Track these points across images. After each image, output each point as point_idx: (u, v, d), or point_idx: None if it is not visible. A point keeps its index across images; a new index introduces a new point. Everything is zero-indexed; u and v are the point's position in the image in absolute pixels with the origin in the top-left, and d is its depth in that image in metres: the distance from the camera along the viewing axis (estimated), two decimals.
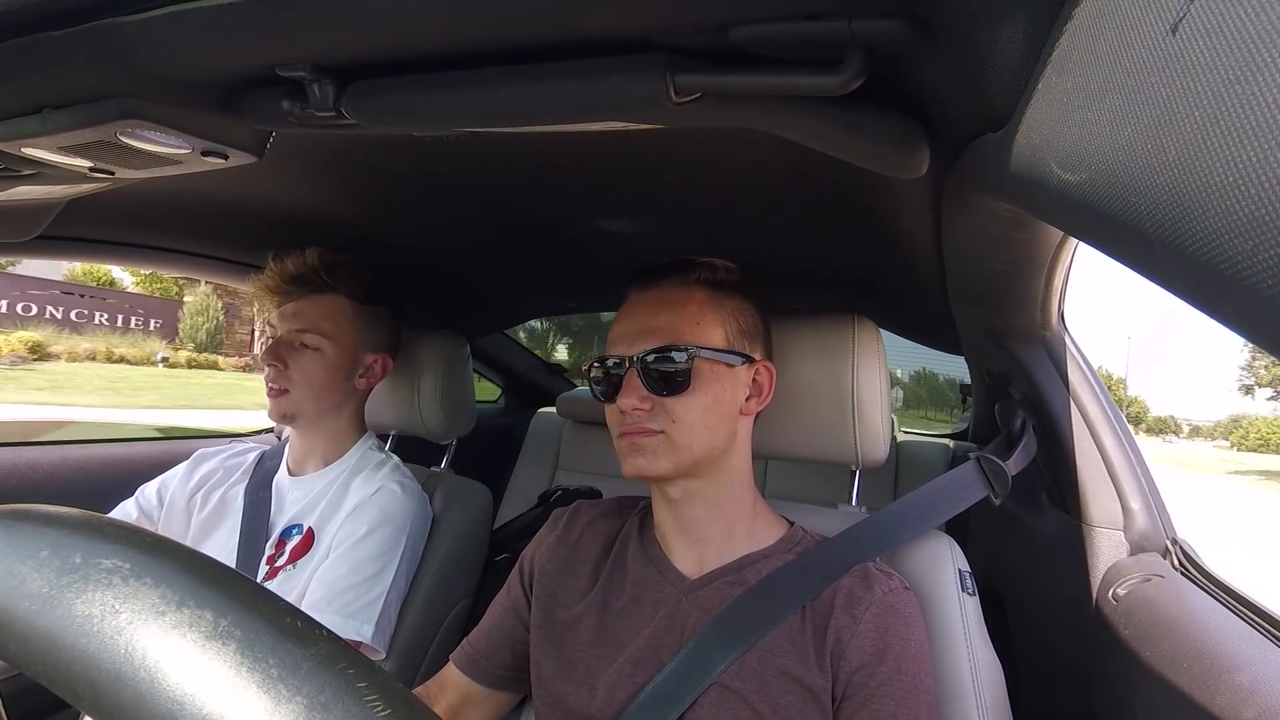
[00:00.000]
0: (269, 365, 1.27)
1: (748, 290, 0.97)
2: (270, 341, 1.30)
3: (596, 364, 0.93)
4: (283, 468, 1.36)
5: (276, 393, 1.27)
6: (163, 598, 0.25)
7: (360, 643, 1.16)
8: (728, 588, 0.88)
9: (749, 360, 0.92)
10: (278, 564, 1.23)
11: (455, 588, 1.37)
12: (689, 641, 0.85)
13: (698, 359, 0.87)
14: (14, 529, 0.27)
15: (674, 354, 0.87)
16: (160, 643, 0.24)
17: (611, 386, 0.90)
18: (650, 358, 0.87)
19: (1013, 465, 1.10)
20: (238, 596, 0.26)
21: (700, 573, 0.90)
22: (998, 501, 1.06)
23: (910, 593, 0.87)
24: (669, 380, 0.87)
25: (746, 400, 0.92)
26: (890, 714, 0.78)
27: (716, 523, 0.92)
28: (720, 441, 0.89)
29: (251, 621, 0.25)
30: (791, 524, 0.96)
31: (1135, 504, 1.16)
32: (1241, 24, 0.25)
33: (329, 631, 0.26)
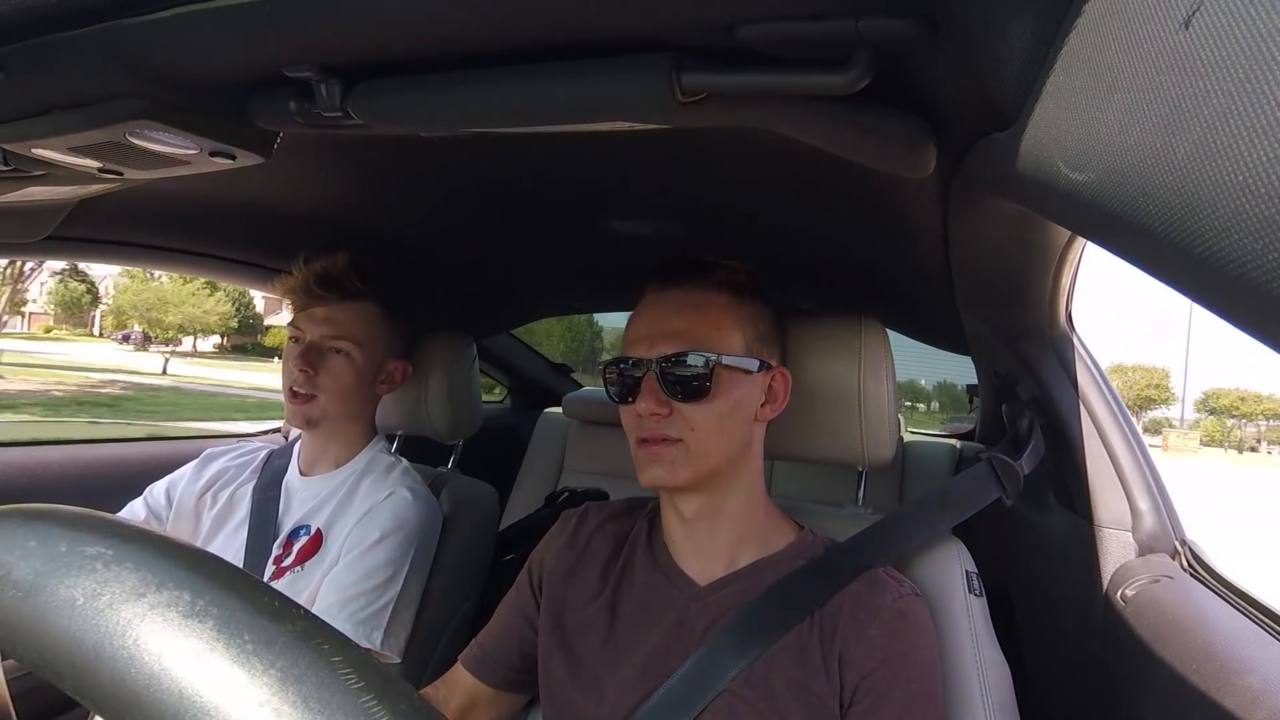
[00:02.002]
0: (299, 370, 1.25)
1: (766, 294, 0.96)
2: (299, 346, 1.28)
3: (613, 365, 0.92)
4: (293, 467, 1.36)
5: (304, 399, 1.26)
6: (142, 580, 0.25)
7: (371, 650, 1.16)
8: (737, 595, 0.88)
9: (766, 367, 0.91)
10: (284, 564, 1.23)
11: (461, 588, 1.38)
12: (697, 649, 0.84)
13: (718, 366, 0.86)
14: (3, 524, 0.27)
15: (694, 360, 0.86)
16: (139, 622, 0.24)
17: (628, 388, 0.89)
18: (669, 362, 0.86)
19: (1024, 465, 1.09)
20: (216, 579, 0.26)
21: (709, 579, 0.90)
22: (1009, 502, 1.06)
23: (920, 599, 0.87)
24: (688, 386, 0.86)
25: (761, 406, 0.92)
26: (878, 697, 0.78)
27: (727, 532, 0.91)
28: (736, 448, 0.89)
29: (228, 600, 0.25)
30: (801, 528, 0.96)
31: (1144, 505, 1.15)
32: (1252, 22, 0.24)
33: (307, 611, 0.27)
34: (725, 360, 0.87)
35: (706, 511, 0.90)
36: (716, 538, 0.91)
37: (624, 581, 0.94)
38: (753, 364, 0.89)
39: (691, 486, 0.88)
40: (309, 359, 1.26)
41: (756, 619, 0.84)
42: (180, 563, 0.26)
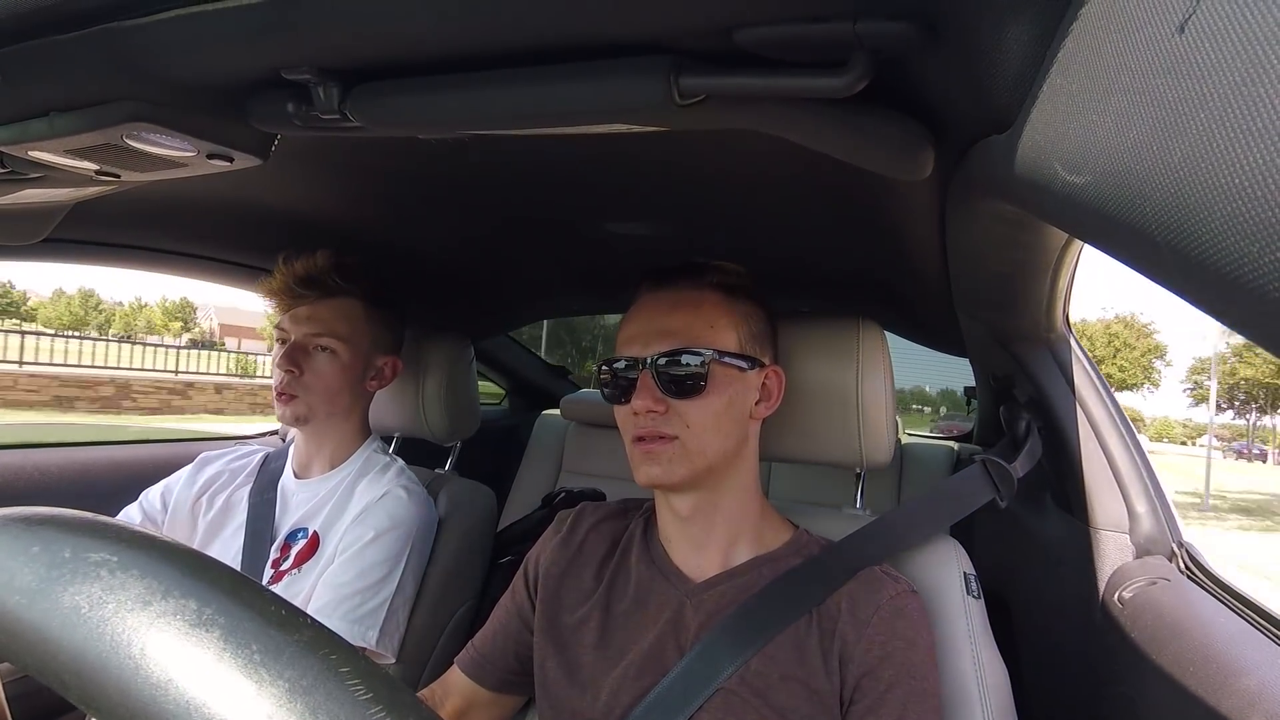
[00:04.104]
0: (284, 371, 1.26)
1: (758, 294, 0.97)
2: (282, 346, 1.29)
3: (607, 365, 0.92)
4: (288, 470, 1.36)
5: (289, 398, 1.26)
6: (148, 588, 0.25)
7: (366, 649, 1.15)
8: (733, 592, 0.88)
9: (760, 365, 0.92)
10: (283, 568, 1.22)
11: (459, 590, 1.37)
12: (693, 646, 0.84)
13: (713, 363, 0.87)
14: (6, 528, 0.27)
15: (689, 357, 0.86)
16: (144, 631, 0.24)
17: (623, 388, 0.90)
18: (664, 360, 0.87)
19: (1018, 468, 1.10)
20: (222, 586, 0.26)
21: (704, 576, 0.90)
22: (1004, 505, 1.06)
23: (917, 596, 0.87)
24: (683, 383, 0.86)
25: (756, 405, 0.92)
26: (898, 717, 0.78)
27: (723, 530, 0.91)
28: (732, 445, 0.89)
29: (235, 609, 0.25)
30: (796, 528, 0.96)
31: (1141, 507, 1.16)
32: (1248, 25, 0.25)
33: (313, 619, 0.27)
34: (721, 357, 0.87)
35: (702, 509, 0.90)
36: (712, 535, 0.91)
37: (618, 579, 0.94)
38: (747, 362, 0.90)
39: (688, 484, 0.88)
40: (294, 358, 1.26)
41: (753, 616, 0.85)
42: (186, 570, 0.26)
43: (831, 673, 0.81)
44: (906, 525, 0.98)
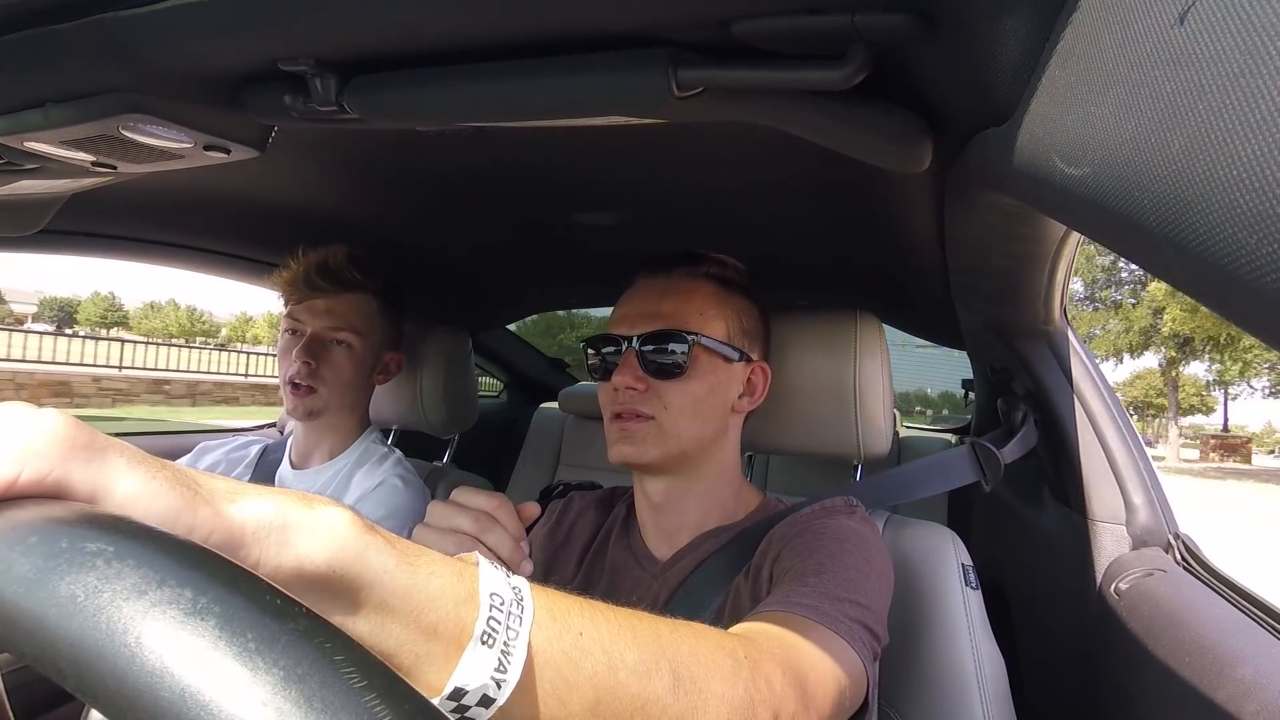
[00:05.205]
0: (301, 363, 1.25)
1: (753, 292, 0.97)
2: (298, 338, 1.28)
3: (594, 342, 0.93)
4: (285, 461, 1.36)
5: (305, 391, 1.26)
6: (144, 578, 0.25)
7: None
8: (691, 564, 0.88)
9: (746, 359, 0.92)
10: None
11: None
12: None
13: (696, 348, 0.87)
14: (3, 519, 0.27)
15: (674, 339, 0.87)
16: (141, 620, 0.24)
17: (607, 365, 0.91)
18: (649, 340, 0.88)
19: (1008, 454, 1.10)
20: (218, 576, 0.26)
21: (671, 554, 0.91)
22: (988, 488, 1.06)
23: (858, 511, 0.86)
24: (665, 365, 0.87)
25: (739, 398, 0.93)
26: (803, 551, 0.76)
27: (694, 516, 0.92)
28: (709, 434, 0.90)
29: (230, 599, 0.25)
30: (765, 496, 0.96)
31: (1138, 499, 1.16)
32: (1247, 17, 0.25)
33: (308, 609, 0.27)
34: (705, 343, 0.88)
35: (674, 494, 0.91)
36: (683, 522, 0.92)
37: (595, 567, 0.95)
38: (733, 353, 0.90)
39: (660, 467, 0.88)
40: (311, 350, 1.26)
41: (703, 581, 0.85)
42: (182, 560, 0.26)
43: (764, 586, 0.79)
44: (879, 490, 0.99)
